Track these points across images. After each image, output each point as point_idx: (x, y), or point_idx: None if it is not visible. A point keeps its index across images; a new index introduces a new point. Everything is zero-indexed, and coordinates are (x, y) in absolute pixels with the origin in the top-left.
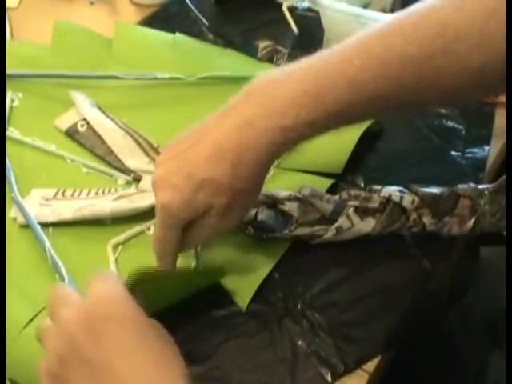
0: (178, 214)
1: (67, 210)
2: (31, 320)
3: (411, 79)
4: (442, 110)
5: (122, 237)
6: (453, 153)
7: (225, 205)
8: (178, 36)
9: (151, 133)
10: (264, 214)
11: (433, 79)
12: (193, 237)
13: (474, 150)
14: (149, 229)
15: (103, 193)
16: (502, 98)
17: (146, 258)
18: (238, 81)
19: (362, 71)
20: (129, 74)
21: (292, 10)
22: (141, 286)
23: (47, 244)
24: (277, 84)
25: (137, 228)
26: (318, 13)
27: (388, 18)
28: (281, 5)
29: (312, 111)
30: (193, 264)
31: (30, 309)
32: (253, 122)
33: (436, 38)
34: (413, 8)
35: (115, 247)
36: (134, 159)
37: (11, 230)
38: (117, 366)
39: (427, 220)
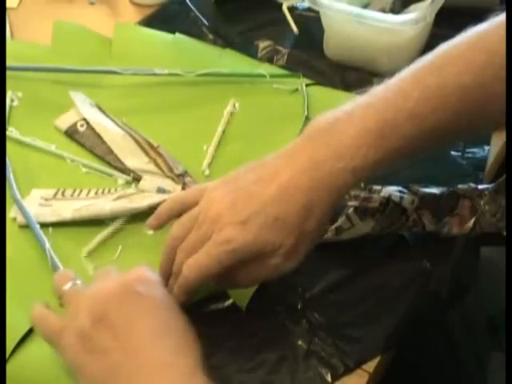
0: (242, 251)
1: (67, 210)
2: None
3: (468, 108)
4: None
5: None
6: (453, 153)
7: (292, 245)
8: (178, 36)
9: (151, 132)
10: None
11: (487, 106)
12: (249, 274)
13: (474, 150)
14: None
15: (103, 193)
16: None
17: (146, 257)
18: (238, 80)
19: (421, 105)
20: (127, 69)
21: (292, 9)
22: None
23: (47, 244)
24: (340, 124)
25: (136, 228)
26: (318, 13)
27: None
28: (281, 5)
29: (379, 150)
30: None
31: (29, 309)
32: (323, 164)
33: (486, 67)
34: (459, 38)
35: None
36: (134, 159)
37: (11, 230)
38: (139, 333)
39: (427, 220)
